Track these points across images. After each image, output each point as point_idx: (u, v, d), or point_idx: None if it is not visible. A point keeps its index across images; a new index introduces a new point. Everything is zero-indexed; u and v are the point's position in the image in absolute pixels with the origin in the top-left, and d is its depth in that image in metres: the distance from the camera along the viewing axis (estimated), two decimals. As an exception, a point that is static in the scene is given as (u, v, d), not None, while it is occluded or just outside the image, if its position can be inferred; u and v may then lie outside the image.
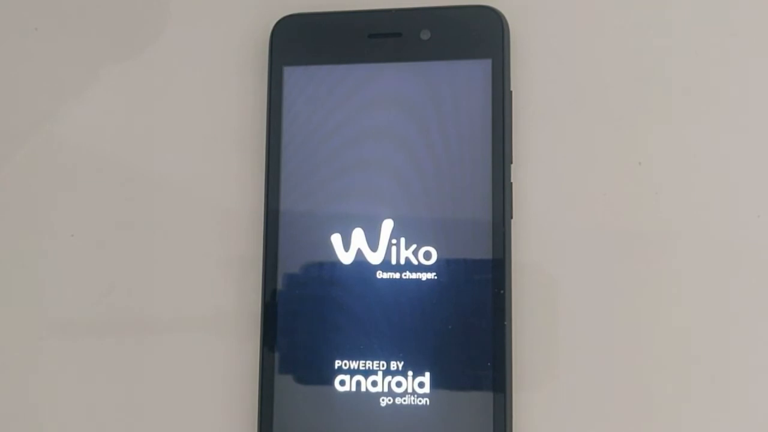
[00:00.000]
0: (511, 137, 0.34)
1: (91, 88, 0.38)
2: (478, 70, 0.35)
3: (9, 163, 0.38)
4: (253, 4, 0.38)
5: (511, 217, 0.34)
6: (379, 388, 0.34)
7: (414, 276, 0.34)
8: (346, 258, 0.34)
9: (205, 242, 0.36)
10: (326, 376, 0.34)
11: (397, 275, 0.34)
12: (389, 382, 0.34)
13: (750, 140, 0.34)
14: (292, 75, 0.36)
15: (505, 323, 0.33)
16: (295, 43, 0.36)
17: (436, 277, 0.34)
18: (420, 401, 0.33)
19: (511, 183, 0.34)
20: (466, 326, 0.33)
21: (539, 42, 0.36)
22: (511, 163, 0.34)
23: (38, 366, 0.36)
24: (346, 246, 0.34)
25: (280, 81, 0.36)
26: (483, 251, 0.34)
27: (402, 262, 0.34)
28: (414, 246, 0.34)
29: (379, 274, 0.34)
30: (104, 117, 0.38)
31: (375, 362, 0.34)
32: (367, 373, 0.34)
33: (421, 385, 0.33)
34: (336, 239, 0.34)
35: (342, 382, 0.34)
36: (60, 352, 0.36)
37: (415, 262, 0.34)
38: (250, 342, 0.35)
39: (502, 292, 0.33)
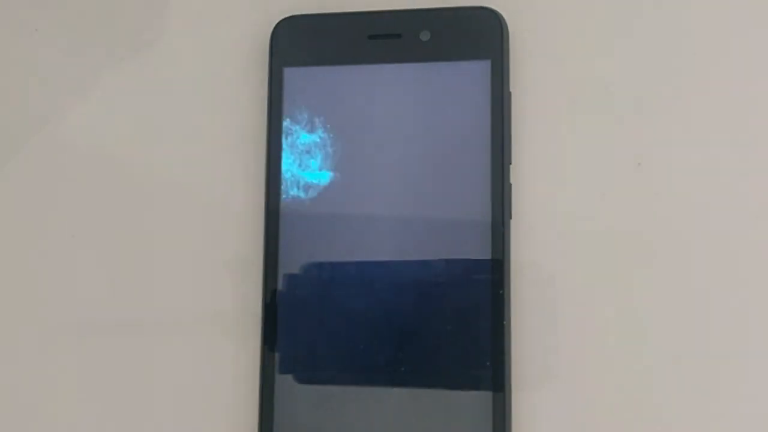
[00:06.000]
0: (511, 138, 0.35)
1: (91, 88, 0.38)
2: (478, 71, 0.35)
3: (9, 163, 0.38)
4: (253, 5, 0.38)
5: (511, 217, 0.34)
6: (379, 388, 0.34)
7: (414, 276, 0.34)
8: (346, 258, 0.34)
9: (205, 242, 0.36)
10: (326, 376, 0.34)
11: (397, 275, 0.34)
12: (389, 382, 0.34)
13: (750, 140, 0.35)
14: (292, 76, 0.36)
15: (505, 323, 0.33)
16: (295, 44, 0.36)
17: (436, 277, 0.34)
18: (420, 401, 0.33)
19: (511, 183, 0.34)
20: (466, 326, 0.33)
21: (539, 42, 0.36)
22: (511, 163, 0.34)
23: (38, 366, 0.36)
24: (346, 246, 0.34)
25: (280, 82, 0.36)
26: (483, 251, 0.34)
27: (402, 262, 0.34)
28: (414, 246, 0.34)
29: (379, 274, 0.34)
30: (104, 117, 0.38)
31: (375, 362, 0.34)
32: (367, 373, 0.34)
33: (421, 384, 0.33)
34: (336, 239, 0.34)
35: (342, 382, 0.34)
36: (60, 353, 0.36)
37: (415, 262, 0.34)
38: (250, 342, 0.35)
39: (501, 292, 0.33)
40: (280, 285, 0.34)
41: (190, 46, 0.38)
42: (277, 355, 0.34)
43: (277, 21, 0.36)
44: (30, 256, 0.37)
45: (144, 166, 0.37)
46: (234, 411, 0.35)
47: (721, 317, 0.34)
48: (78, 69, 0.38)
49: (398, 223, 0.34)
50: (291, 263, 0.35)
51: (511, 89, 0.35)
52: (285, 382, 0.34)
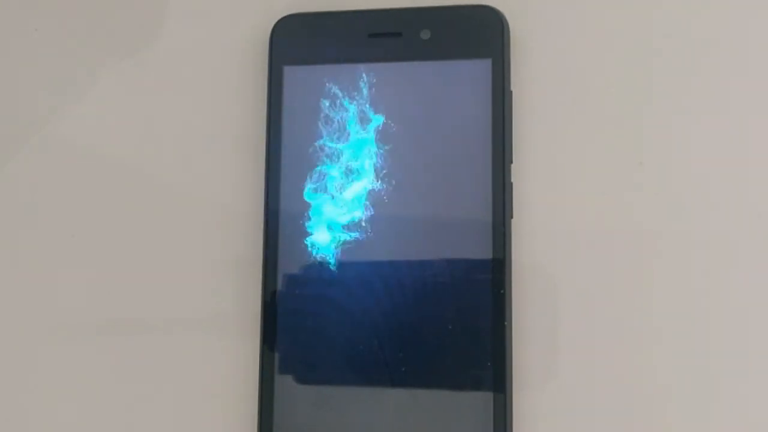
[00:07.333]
0: (511, 137, 0.34)
1: (91, 88, 0.38)
2: (478, 70, 0.35)
3: (9, 163, 0.38)
4: (253, 4, 0.38)
5: (511, 217, 0.34)
6: (379, 388, 0.33)
7: (415, 276, 0.34)
8: (345, 257, 0.34)
9: (205, 242, 0.36)
10: (326, 376, 0.34)
11: (397, 275, 0.34)
12: (389, 382, 0.33)
13: (751, 139, 0.34)
14: (292, 75, 0.36)
15: (505, 323, 0.33)
16: (295, 42, 0.36)
17: (436, 277, 0.34)
18: (420, 401, 0.33)
19: (511, 183, 0.34)
20: (466, 326, 0.33)
21: (539, 42, 0.36)
22: (511, 163, 0.34)
23: (38, 366, 0.36)
24: (346, 245, 0.34)
25: (280, 81, 0.36)
26: (483, 251, 0.34)
27: (402, 261, 0.34)
28: (414, 245, 0.34)
29: (380, 274, 0.34)
30: (104, 117, 0.38)
31: (375, 362, 0.34)
32: (367, 373, 0.34)
33: (421, 384, 0.33)
34: (335, 238, 0.34)
35: (342, 382, 0.34)
36: (60, 353, 0.36)
37: (416, 262, 0.34)
38: (250, 342, 0.35)
39: (502, 292, 0.33)
40: (280, 285, 0.34)
41: (189, 45, 0.38)
42: (276, 355, 0.34)
43: (277, 19, 0.36)
44: (30, 256, 0.37)
45: (143, 166, 0.37)
46: (234, 411, 0.35)
47: (722, 317, 0.33)
48: (78, 69, 0.38)
49: (398, 222, 0.34)
50: (291, 263, 0.35)
51: (512, 88, 0.35)
52: (284, 382, 0.34)
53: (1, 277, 0.37)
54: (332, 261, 0.34)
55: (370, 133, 0.35)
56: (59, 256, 0.37)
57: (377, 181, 0.35)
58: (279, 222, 0.35)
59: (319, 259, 0.34)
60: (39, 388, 0.36)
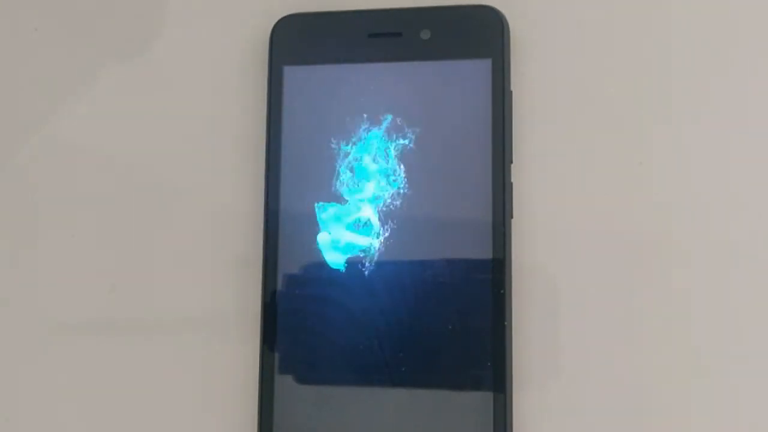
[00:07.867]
0: (511, 137, 0.34)
1: (91, 88, 0.38)
2: (478, 70, 0.35)
3: (9, 163, 0.38)
4: (253, 4, 0.38)
5: (511, 217, 0.34)
6: (379, 388, 0.33)
7: (415, 276, 0.34)
8: (345, 258, 0.34)
9: (205, 242, 0.36)
10: (326, 376, 0.34)
11: (397, 275, 0.34)
12: (389, 382, 0.33)
13: (751, 140, 0.34)
14: (292, 75, 0.36)
15: (505, 323, 0.33)
16: (295, 42, 0.36)
17: (436, 277, 0.34)
18: (420, 401, 0.33)
19: (511, 183, 0.34)
20: (466, 326, 0.33)
21: (539, 42, 0.36)
22: (511, 163, 0.34)
23: (38, 366, 0.36)
24: (345, 245, 0.34)
25: (280, 81, 0.36)
26: (483, 251, 0.34)
27: (402, 261, 0.34)
28: (414, 245, 0.34)
29: (380, 274, 0.34)
30: (104, 117, 0.38)
31: (375, 362, 0.34)
32: (367, 373, 0.34)
33: (421, 384, 0.33)
34: (336, 239, 0.34)
35: (342, 382, 0.34)
36: (59, 353, 0.36)
37: (416, 262, 0.34)
38: (250, 342, 0.35)
39: (502, 292, 0.33)
40: (280, 285, 0.34)
41: (189, 45, 0.38)
42: (276, 355, 0.34)
43: (277, 19, 0.36)
44: (30, 256, 0.37)
45: (143, 166, 0.37)
46: (234, 411, 0.35)
47: (723, 317, 0.33)
48: (78, 69, 0.38)
49: (398, 222, 0.34)
50: (291, 263, 0.35)
51: (511, 88, 0.35)
52: (284, 382, 0.34)
53: (1, 277, 0.37)
54: (331, 261, 0.34)
55: (369, 134, 0.35)
56: (59, 256, 0.37)
57: (376, 181, 0.35)
58: (279, 222, 0.35)
59: (318, 258, 0.34)
60: (39, 388, 0.36)
